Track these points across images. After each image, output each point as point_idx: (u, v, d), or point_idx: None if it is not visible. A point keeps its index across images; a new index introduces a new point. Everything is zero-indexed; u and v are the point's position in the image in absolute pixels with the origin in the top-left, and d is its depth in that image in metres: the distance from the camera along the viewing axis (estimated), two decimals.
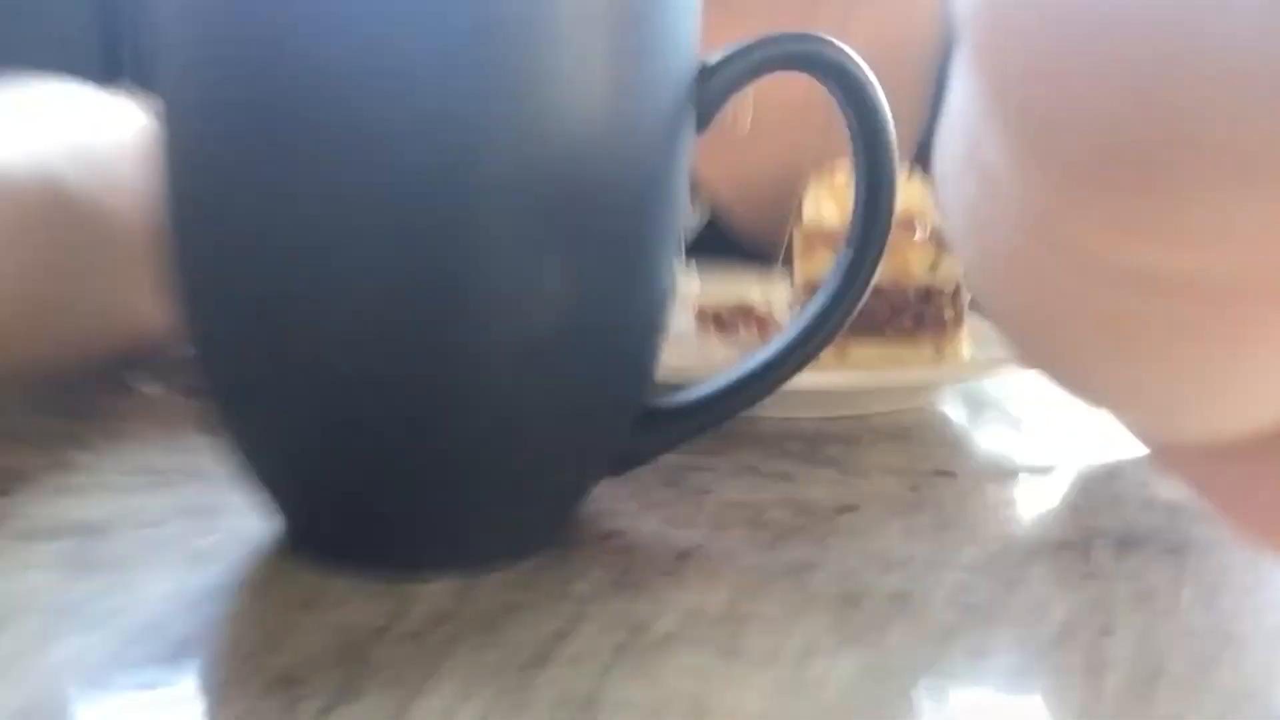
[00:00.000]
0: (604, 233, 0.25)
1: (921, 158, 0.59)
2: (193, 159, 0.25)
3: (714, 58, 0.27)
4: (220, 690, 0.21)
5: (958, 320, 0.43)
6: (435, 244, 0.23)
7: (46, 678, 0.20)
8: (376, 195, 0.23)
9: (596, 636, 0.23)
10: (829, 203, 0.44)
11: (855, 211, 0.28)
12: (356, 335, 0.24)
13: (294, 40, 0.23)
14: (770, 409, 0.40)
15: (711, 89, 0.27)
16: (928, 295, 0.42)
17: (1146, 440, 0.14)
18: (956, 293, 0.43)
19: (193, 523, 0.28)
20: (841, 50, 0.27)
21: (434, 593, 0.24)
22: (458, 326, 0.24)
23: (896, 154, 0.27)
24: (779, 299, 0.49)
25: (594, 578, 0.26)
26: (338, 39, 0.23)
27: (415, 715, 0.19)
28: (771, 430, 0.38)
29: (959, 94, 0.12)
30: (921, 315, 0.42)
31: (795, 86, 0.61)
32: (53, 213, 0.37)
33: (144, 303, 0.40)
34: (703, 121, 0.27)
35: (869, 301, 0.42)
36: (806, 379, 0.40)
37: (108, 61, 0.57)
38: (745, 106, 0.62)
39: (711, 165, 0.61)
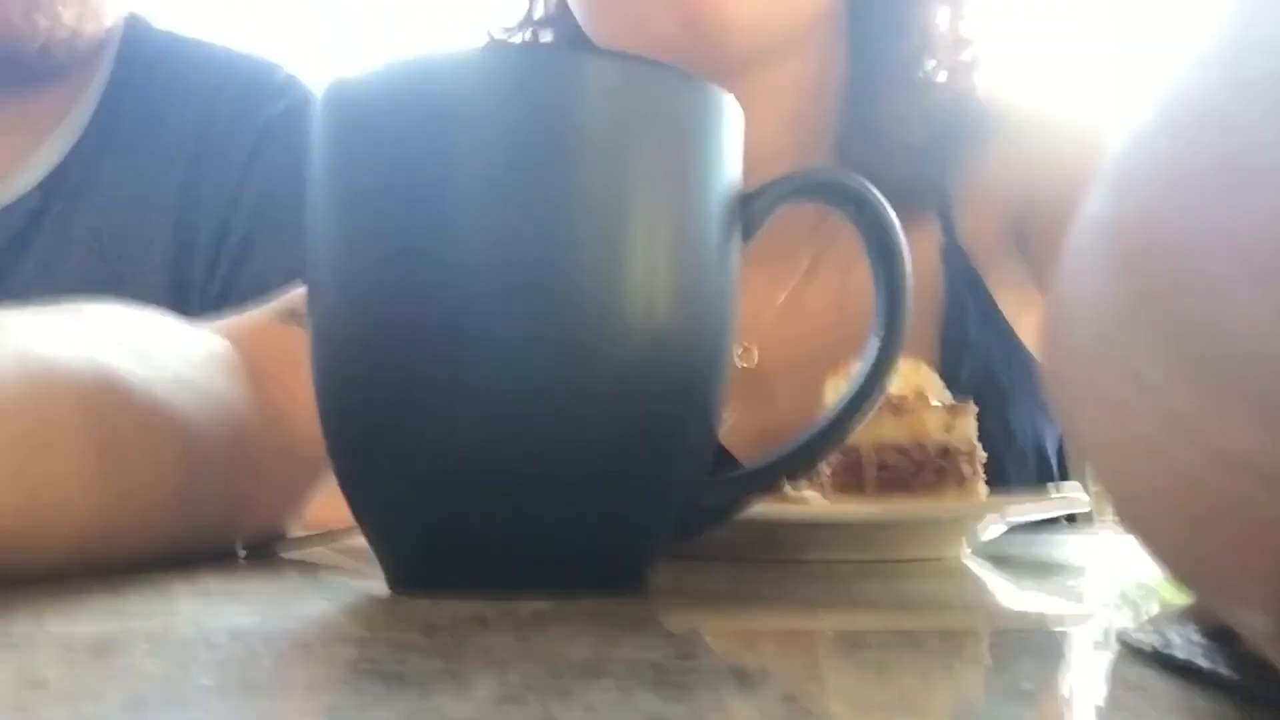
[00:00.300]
0: (679, 330, 0.30)
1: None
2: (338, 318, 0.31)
3: (753, 188, 0.33)
4: (370, 628, 0.24)
5: (976, 476, 0.47)
6: (544, 363, 0.28)
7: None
8: (491, 322, 0.28)
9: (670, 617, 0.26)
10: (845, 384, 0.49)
11: (878, 310, 0.33)
12: (476, 439, 0.29)
13: (422, 258, 0.29)
14: (811, 551, 0.44)
15: (753, 211, 0.33)
16: (946, 453, 0.46)
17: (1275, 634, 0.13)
18: (972, 452, 0.47)
19: (310, 586, 0.31)
20: (857, 180, 0.33)
21: (531, 603, 0.28)
22: (556, 425, 0.29)
23: (907, 259, 0.33)
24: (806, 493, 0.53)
25: (663, 602, 0.29)
26: (456, 247, 0.28)
27: (533, 640, 0.22)
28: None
29: (1089, 290, 0.12)
30: (943, 471, 0.46)
31: (803, 340, 0.66)
32: (110, 406, 0.35)
33: (214, 504, 0.41)
34: (746, 235, 0.33)
35: (894, 459, 0.47)
36: (847, 511, 0.44)
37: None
38: (753, 346, 0.68)
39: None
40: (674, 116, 0.30)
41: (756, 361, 0.66)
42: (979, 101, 0.66)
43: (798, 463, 0.33)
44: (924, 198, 0.65)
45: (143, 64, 0.83)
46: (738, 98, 0.32)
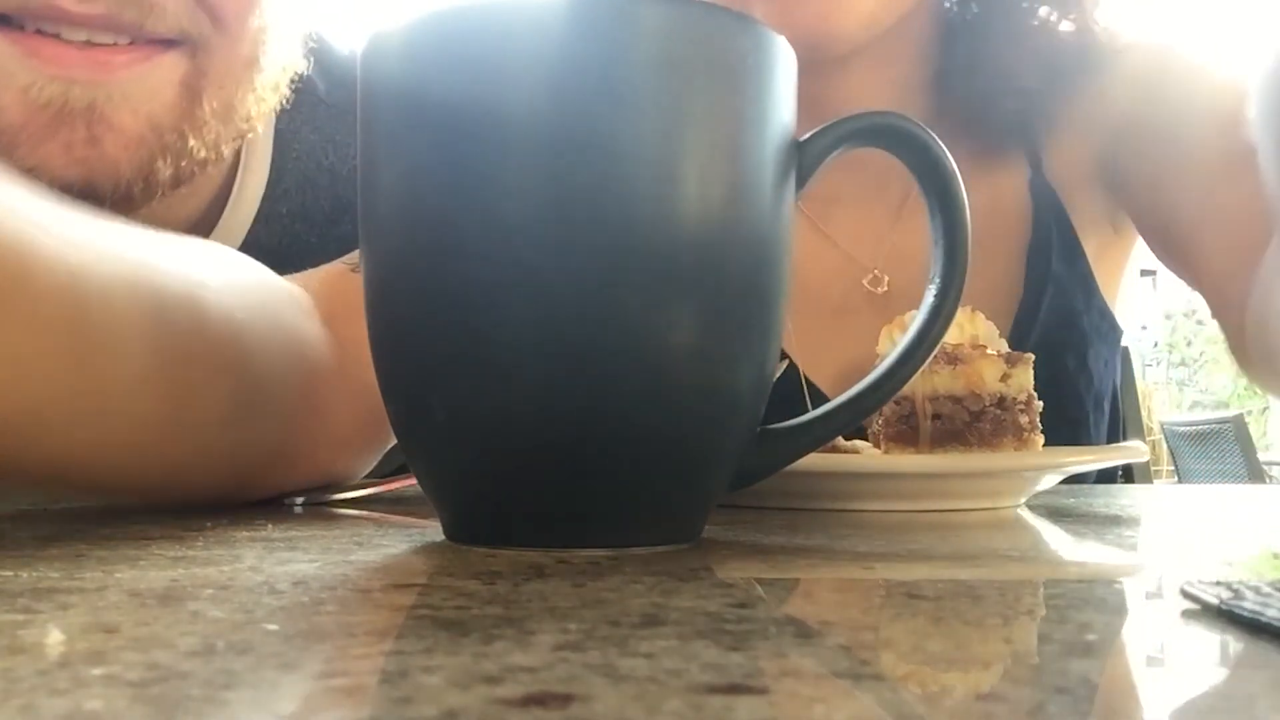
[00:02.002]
0: (731, 277, 0.30)
1: (1019, 332, 0.64)
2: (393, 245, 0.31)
3: (807, 134, 0.32)
4: (429, 577, 0.24)
5: (1033, 426, 0.46)
6: (597, 314, 0.28)
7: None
8: (546, 251, 0.28)
9: (726, 568, 0.26)
10: (900, 333, 0.49)
11: (935, 259, 0.33)
12: (528, 391, 0.28)
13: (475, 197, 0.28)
14: (864, 501, 0.44)
15: (807, 157, 0.32)
16: (1002, 402, 0.46)
17: None
18: (1029, 401, 0.46)
19: (369, 536, 0.32)
20: (913, 123, 0.32)
21: (587, 552, 0.28)
22: (609, 376, 0.28)
23: (966, 205, 0.32)
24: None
25: (718, 553, 0.29)
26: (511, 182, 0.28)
27: (591, 589, 0.23)
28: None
29: None
30: (999, 421, 0.46)
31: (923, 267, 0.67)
32: (183, 316, 0.36)
33: (273, 431, 0.42)
34: (800, 183, 0.32)
35: (950, 410, 0.46)
36: (904, 464, 0.44)
37: None
38: (883, 274, 0.69)
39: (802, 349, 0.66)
40: (727, 60, 0.30)
41: (887, 287, 0.68)
42: (1084, 38, 0.67)
43: (850, 414, 0.32)
44: (1019, 135, 0.68)
45: (320, 136, 0.67)
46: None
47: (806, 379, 0.65)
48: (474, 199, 0.28)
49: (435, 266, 0.29)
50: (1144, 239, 0.66)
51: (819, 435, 0.33)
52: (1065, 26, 0.67)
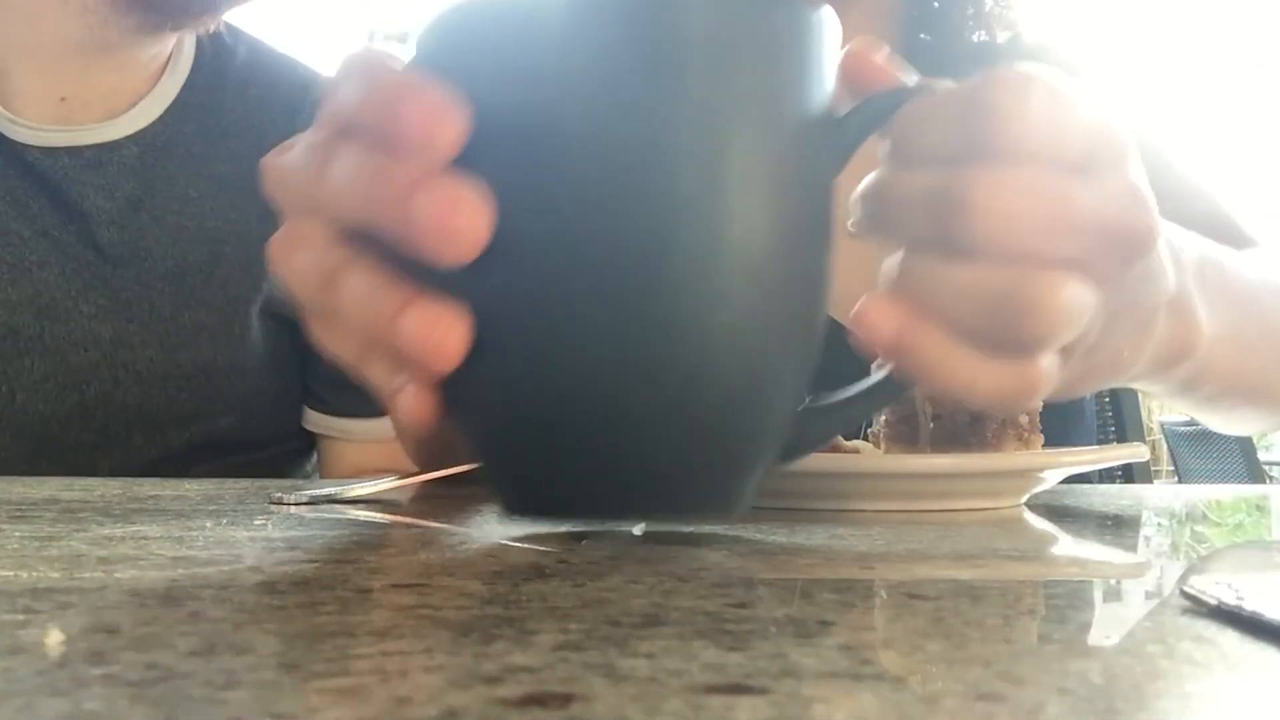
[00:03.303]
0: (777, 255, 0.30)
1: None
2: None
3: (845, 109, 0.32)
4: (429, 577, 0.24)
5: (1033, 426, 0.46)
6: (645, 290, 0.28)
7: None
8: (601, 229, 0.28)
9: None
10: None
11: None
12: (579, 367, 0.28)
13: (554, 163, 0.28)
14: (863, 502, 0.44)
15: (846, 134, 0.32)
16: None
17: None
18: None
19: (369, 536, 0.32)
20: None
21: (587, 552, 0.28)
22: (657, 344, 0.28)
23: None
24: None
25: (718, 552, 0.29)
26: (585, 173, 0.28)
27: (591, 589, 0.23)
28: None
29: None
30: (1002, 424, 0.45)
31: None
32: None
33: None
34: (842, 161, 0.32)
35: (950, 410, 0.46)
36: (904, 464, 0.44)
37: None
38: None
39: None
40: (772, 37, 0.29)
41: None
42: (1013, 39, 0.79)
43: (888, 391, 0.32)
44: None
45: (232, 62, 0.84)
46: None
47: None
48: (519, 184, 0.28)
49: (488, 247, 0.29)
50: None
51: (860, 411, 0.33)
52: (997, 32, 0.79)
